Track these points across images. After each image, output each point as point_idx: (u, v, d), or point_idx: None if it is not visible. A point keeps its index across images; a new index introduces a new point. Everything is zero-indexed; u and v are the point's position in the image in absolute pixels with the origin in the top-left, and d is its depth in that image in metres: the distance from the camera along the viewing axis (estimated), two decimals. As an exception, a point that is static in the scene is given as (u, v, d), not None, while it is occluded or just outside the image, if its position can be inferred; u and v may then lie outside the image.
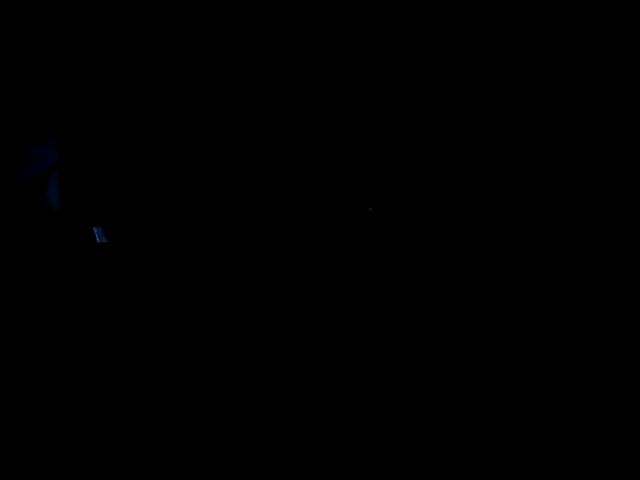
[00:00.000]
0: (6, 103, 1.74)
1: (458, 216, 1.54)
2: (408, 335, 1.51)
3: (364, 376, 1.50)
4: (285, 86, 1.63)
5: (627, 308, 1.41)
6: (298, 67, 1.62)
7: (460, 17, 1.53)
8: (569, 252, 1.47)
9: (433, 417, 1.43)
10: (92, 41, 1.68)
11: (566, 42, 1.48)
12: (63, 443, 1.49)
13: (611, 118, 1.46)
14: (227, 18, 1.63)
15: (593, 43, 1.47)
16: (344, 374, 1.51)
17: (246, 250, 1.61)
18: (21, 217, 1.72)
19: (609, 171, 1.46)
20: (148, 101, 1.68)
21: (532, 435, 1.38)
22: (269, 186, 1.63)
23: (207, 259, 1.62)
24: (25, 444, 1.48)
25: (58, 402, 1.54)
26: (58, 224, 1.68)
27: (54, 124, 1.73)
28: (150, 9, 1.64)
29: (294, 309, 1.57)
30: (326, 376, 1.51)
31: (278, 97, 1.64)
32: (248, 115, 1.64)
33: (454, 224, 1.54)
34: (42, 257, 1.67)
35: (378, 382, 1.49)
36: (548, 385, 1.41)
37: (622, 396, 1.36)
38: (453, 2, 1.53)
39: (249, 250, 1.61)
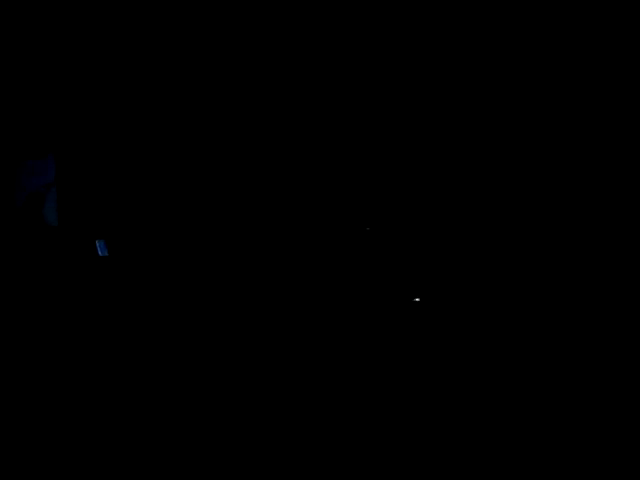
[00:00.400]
0: (5, 119, 1.75)
1: (456, 234, 1.57)
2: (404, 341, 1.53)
3: (362, 377, 1.51)
4: (289, 95, 1.65)
5: (627, 308, 1.42)
6: (301, 73, 1.64)
7: (460, 18, 1.53)
8: (569, 253, 1.49)
9: (430, 417, 1.44)
10: (91, 61, 1.70)
11: (566, 43, 1.48)
12: (63, 443, 1.47)
13: (611, 118, 1.46)
14: (226, 23, 1.65)
15: (593, 43, 1.46)
16: (342, 375, 1.51)
17: (244, 266, 1.63)
18: (18, 232, 1.71)
19: (609, 171, 1.46)
20: (144, 121, 1.69)
21: (532, 435, 1.38)
22: (273, 209, 1.65)
23: (206, 272, 1.63)
24: (25, 444, 1.47)
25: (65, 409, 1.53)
26: (55, 240, 1.68)
27: (52, 141, 1.73)
28: (148, 29, 1.67)
29: (292, 316, 1.58)
30: (324, 377, 1.52)
31: (283, 110, 1.66)
32: (252, 139, 1.66)
33: (451, 244, 1.57)
34: (39, 272, 1.67)
35: (376, 383, 1.50)
36: (548, 385, 1.42)
37: (622, 396, 1.37)
38: (453, 2, 1.52)
39: (247, 266, 1.62)
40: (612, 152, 1.46)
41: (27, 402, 1.55)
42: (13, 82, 1.75)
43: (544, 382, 1.43)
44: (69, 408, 1.54)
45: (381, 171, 1.62)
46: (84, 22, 1.69)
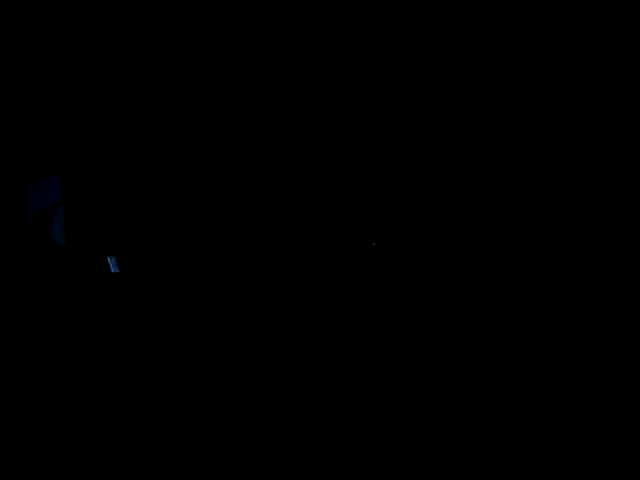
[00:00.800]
0: (13, 139, 1.78)
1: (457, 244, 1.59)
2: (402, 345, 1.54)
3: (360, 378, 1.52)
4: (290, 102, 1.68)
5: (627, 308, 1.42)
6: (301, 76, 1.66)
7: (460, 19, 1.52)
8: (569, 254, 1.51)
9: (429, 418, 1.45)
10: (98, 83, 1.74)
11: (566, 43, 1.45)
12: (63, 443, 1.47)
13: (611, 119, 1.43)
14: (226, 26, 1.69)
15: (593, 44, 1.43)
16: (340, 377, 1.53)
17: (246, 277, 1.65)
18: (25, 251, 1.74)
19: (609, 171, 1.44)
20: (150, 141, 1.73)
21: (532, 435, 1.39)
22: (279, 219, 1.67)
23: (212, 286, 1.65)
24: (25, 444, 1.46)
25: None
26: (62, 259, 1.71)
27: (59, 161, 1.77)
28: (152, 48, 1.71)
29: (293, 321, 1.60)
30: (323, 378, 1.53)
31: (285, 116, 1.69)
32: (255, 150, 1.70)
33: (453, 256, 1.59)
34: (46, 290, 1.69)
35: (374, 384, 1.51)
36: (548, 385, 1.44)
37: (622, 396, 1.39)
38: (453, 3, 1.51)
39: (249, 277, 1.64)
40: (612, 152, 1.44)
41: (28, 407, 1.55)
42: (22, 103, 1.79)
43: (540, 382, 1.45)
44: (74, 416, 1.54)
45: (384, 184, 1.65)
46: (90, 43, 1.74)
